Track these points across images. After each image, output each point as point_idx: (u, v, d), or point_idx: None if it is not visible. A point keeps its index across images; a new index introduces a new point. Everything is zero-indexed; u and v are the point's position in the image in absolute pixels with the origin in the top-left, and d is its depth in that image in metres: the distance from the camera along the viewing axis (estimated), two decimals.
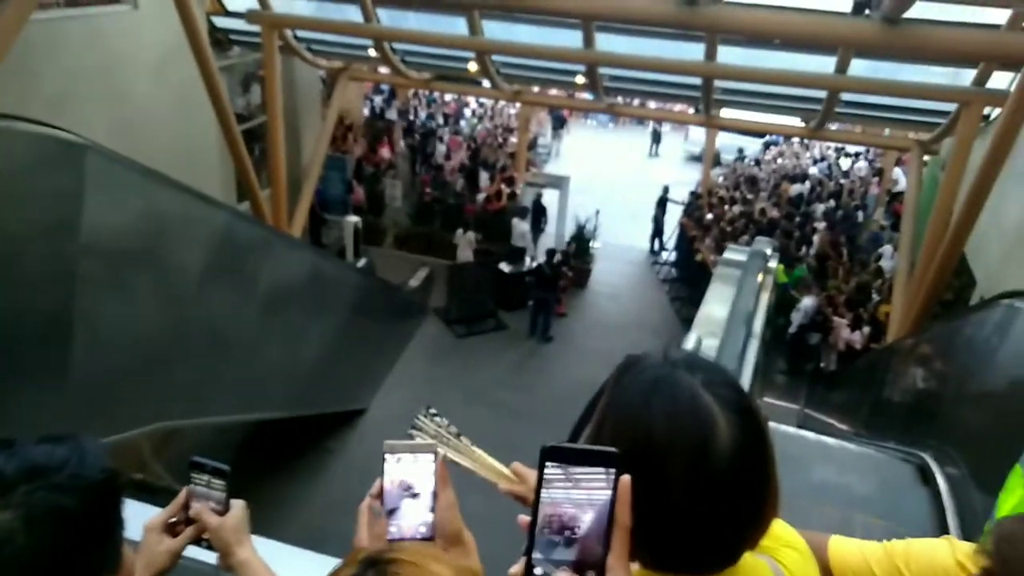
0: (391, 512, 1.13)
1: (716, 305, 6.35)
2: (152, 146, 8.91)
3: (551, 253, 12.79)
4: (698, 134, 22.39)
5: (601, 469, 0.91)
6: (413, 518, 1.13)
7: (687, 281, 14.89)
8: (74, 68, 8.74)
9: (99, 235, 4.47)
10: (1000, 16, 7.20)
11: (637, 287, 15.50)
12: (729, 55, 9.02)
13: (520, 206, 15.14)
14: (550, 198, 15.92)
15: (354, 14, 9.91)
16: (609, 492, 0.91)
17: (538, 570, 0.91)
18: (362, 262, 13.18)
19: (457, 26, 9.71)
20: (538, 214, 15.45)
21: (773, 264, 8.92)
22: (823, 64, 8.79)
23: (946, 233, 8.06)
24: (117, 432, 4.79)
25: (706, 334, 5.48)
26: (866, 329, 11.10)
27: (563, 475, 0.92)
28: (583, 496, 0.91)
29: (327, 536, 6.83)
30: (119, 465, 1.02)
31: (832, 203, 17.93)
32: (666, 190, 16.85)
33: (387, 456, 1.14)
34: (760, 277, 7.66)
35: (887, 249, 14.16)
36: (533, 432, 9.38)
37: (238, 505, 1.36)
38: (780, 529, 1.14)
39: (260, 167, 11.27)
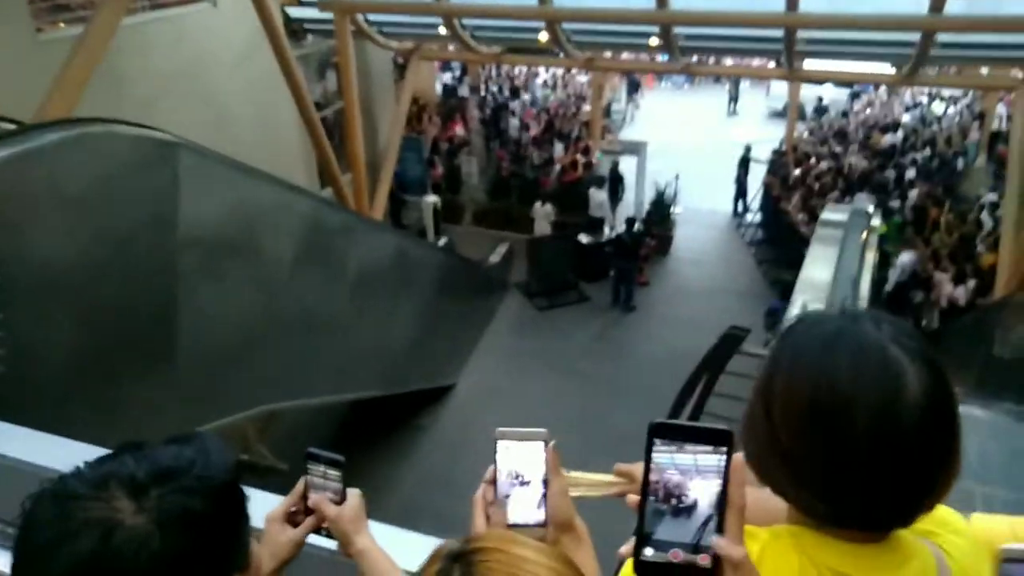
0: (504, 499, 1.13)
1: (818, 268, 6.12)
2: (238, 140, 9.24)
3: (631, 222, 12.59)
4: (779, 89, 21.46)
5: (712, 448, 0.89)
6: (526, 505, 1.13)
7: (774, 242, 14.42)
8: (161, 69, 9.12)
9: (195, 228, 4.67)
10: None
11: (722, 251, 15.12)
12: (811, 3, 8.57)
13: (597, 175, 14.94)
14: (627, 165, 15.64)
15: None
16: (722, 472, 0.88)
17: (648, 551, 0.89)
18: (443, 241, 13.35)
19: None
20: (615, 182, 15.20)
21: (876, 222, 8.53)
22: (915, 3, 8.23)
23: None
24: (222, 416, 5.04)
25: (811, 299, 5.29)
26: (971, 283, 10.47)
27: (674, 452, 0.90)
28: (694, 471, 0.89)
29: (421, 512, 7.06)
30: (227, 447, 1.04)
31: (928, 151, 16.92)
32: (748, 149, 16.27)
33: (498, 443, 1.14)
34: (863, 235, 7.33)
35: (990, 197, 13.28)
36: (618, 402, 9.36)
37: (354, 494, 1.39)
38: (947, 515, 1.09)
39: (339, 153, 11.53)
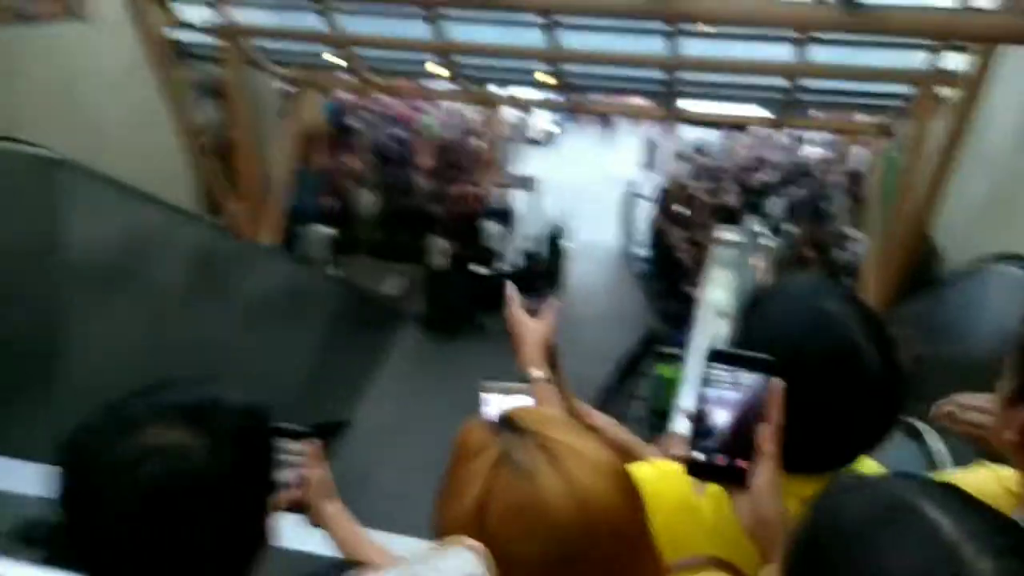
0: None
1: (718, 291, 6.50)
2: (115, 165, 8.71)
3: (527, 253, 12.83)
4: (690, 133, 22.25)
5: (757, 373, 1.11)
6: None
7: (660, 275, 15.04)
8: (30, 87, 8.54)
9: (75, 252, 4.40)
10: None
11: (611, 283, 15.63)
12: (690, 49, 9.15)
13: (490, 208, 15.15)
14: (519, 199, 15.98)
15: (316, 23, 9.85)
16: (763, 392, 1.10)
17: (700, 455, 1.12)
18: (336, 272, 13.11)
19: (420, 31, 9.69)
20: (508, 215, 15.47)
21: (769, 242, 9.19)
22: (782, 54, 8.99)
23: (907, 211, 8.34)
24: None
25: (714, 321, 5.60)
26: None
27: (724, 374, 1.11)
28: (740, 391, 1.11)
29: None
30: None
31: (796, 190, 18.16)
32: (633, 185, 17.00)
33: (483, 396, 1.24)
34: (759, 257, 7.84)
35: (853, 233, 14.40)
36: None
37: (323, 465, 1.44)
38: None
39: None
